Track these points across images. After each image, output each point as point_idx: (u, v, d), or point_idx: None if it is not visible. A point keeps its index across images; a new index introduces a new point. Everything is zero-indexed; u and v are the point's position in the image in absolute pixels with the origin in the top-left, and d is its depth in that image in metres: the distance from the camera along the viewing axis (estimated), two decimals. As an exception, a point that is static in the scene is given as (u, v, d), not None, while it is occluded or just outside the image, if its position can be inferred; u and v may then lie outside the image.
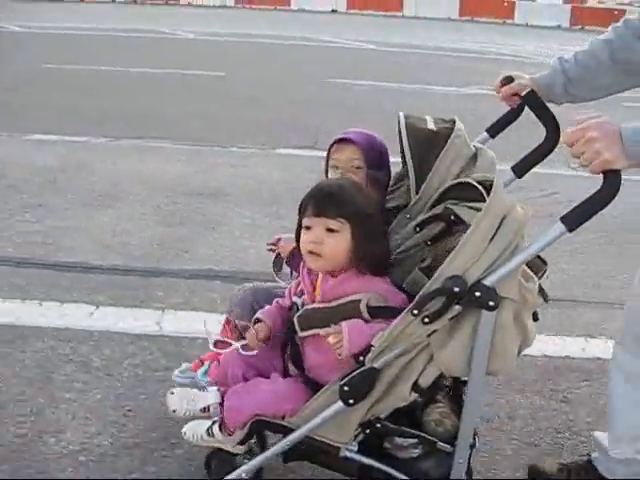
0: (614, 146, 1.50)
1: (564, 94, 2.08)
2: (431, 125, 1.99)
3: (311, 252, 1.81)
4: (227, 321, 2.36)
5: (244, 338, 1.99)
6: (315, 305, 1.84)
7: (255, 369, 1.94)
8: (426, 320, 1.64)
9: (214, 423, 2.02)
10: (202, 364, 2.43)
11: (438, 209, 1.88)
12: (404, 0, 23.94)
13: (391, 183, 2.16)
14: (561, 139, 1.55)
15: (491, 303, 1.62)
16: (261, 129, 7.06)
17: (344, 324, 1.72)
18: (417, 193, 1.94)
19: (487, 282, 1.62)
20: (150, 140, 6.42)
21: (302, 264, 1.91)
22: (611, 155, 1.50)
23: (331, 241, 1.79)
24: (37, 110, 7.42)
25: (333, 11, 25.33)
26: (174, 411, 1.95)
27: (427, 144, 1.95)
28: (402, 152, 2.15)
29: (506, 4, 26.50)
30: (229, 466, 1.98)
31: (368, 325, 1.73)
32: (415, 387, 1.72)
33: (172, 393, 1.97)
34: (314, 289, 1.87)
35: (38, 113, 7.31)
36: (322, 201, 1.82)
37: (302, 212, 1.86)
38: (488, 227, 1.62)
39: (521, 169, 1.96)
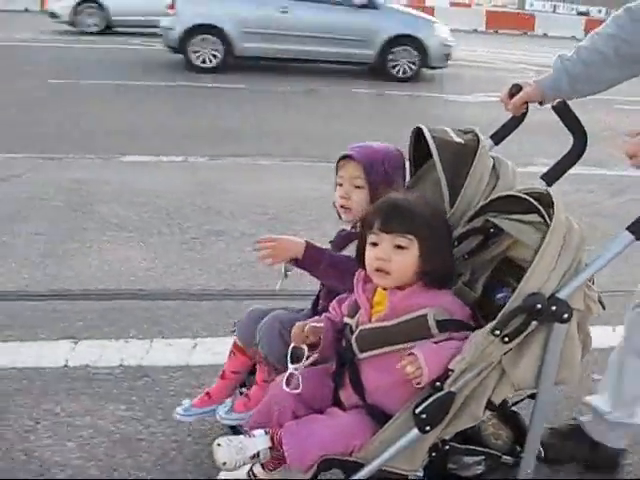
0: None
1: (571, 91, 2.10)
2: (455, 137, 1.97)
3: (378, 269, 1.74)
4: (236, 347, 2.22)
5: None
6: (374, 325, 1.77)
7: (305, 404, 1.83)
8: (506, 339, 1.63)
9: (254, 465, 1.90)
10: (209, 397, 2.28)
11: (477, 222, 1.87)
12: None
13: None
14: (623, 151, 1.59)
15: (565, 316, 1.65)
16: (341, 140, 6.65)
17: (417, 350, 1.66)
18: (452, 208, 1.92)
19: (561, 296, 1.64)
20: (243, 157, 6.14)
21: (356, 282, 1.83)
22: None
23: (399, 258, 1.73)
24: (88, 131, 6.80)
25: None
26: (224, 464, 1.77)
27: (457, 158, 1.92)
28: (413, 164, 2.13)
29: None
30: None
31: (439, 346, 1.69)
32: (488, 405, 1.71)
33: (219, 445, 1.77)
34: (372, 306, 1.80)
35: (96, 133, 6.74)
36: (389, 217, 1.74)
37: (367, 227, 1.78)
38: (556, 244, 1.64)
39: (551, 178, 2.00)
